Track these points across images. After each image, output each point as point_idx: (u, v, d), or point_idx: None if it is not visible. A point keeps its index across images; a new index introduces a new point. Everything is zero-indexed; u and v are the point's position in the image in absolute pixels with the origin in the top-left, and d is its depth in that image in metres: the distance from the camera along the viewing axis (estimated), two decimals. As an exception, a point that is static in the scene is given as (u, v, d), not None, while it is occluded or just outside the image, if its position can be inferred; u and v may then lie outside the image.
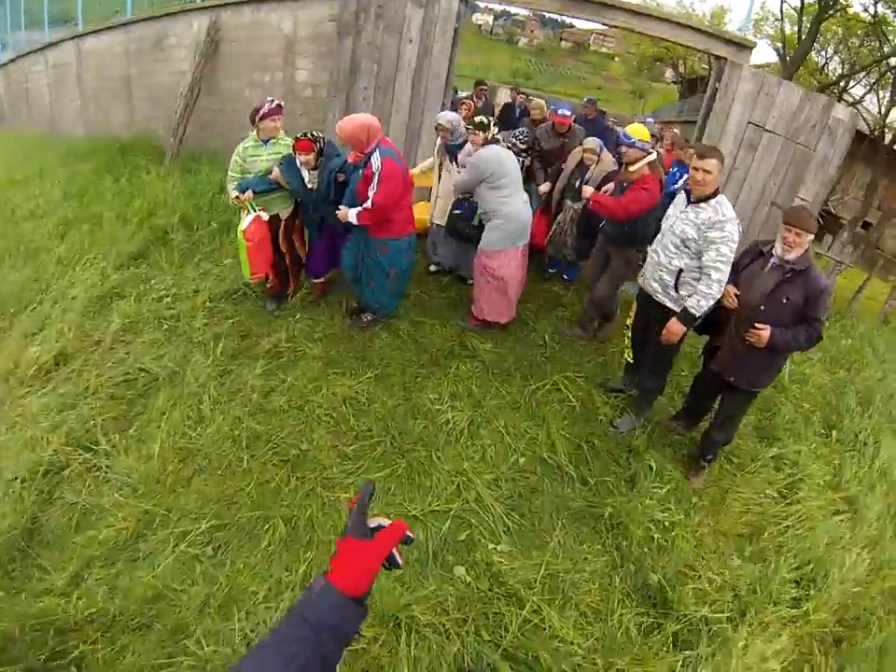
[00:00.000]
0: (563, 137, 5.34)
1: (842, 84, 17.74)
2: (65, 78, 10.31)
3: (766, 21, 19.05)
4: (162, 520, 2.79)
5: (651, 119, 10.90)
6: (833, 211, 16.25)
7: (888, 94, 16.66)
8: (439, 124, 4.50)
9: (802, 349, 3.19)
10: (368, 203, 3.60)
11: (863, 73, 17.21)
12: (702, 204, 3.12)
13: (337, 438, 3.37)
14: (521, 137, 5.25)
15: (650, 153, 3.83)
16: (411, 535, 0.94)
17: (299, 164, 3.90)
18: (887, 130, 16.32)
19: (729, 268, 3.06)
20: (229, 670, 0.82)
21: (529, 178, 5.36)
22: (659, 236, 3.44)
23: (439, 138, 4.67)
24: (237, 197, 3.86)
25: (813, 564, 3.09)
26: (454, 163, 4.58)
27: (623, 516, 3.11)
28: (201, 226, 5.53)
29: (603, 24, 5.91)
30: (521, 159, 5.09)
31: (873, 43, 16.15)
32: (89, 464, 3.05)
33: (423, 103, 6.00)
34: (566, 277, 5.71)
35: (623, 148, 3.84)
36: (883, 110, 16.45)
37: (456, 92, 7.65)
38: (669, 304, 3.33)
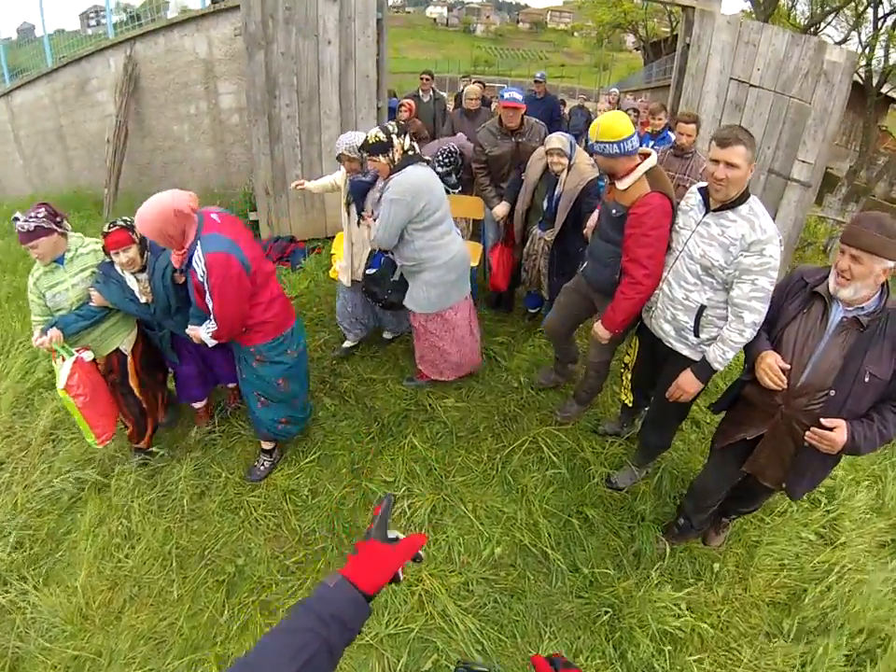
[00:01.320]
0: (515, 136, 3.93)
1: (812, 30, 16.45)
2: (4, 137, 9.97)
3: None
4: (93, 667, 2.43)
5: (614, 90, 10.02)
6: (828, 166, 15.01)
7: (868, 31, 15.41)
8: (340, 153, 3.27)
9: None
10: (210, 323, 2.54)
11: (833, 14, 16.15)
12: (728, 214, 2.19)
13: (277, 544, 2.86)
14: (441, 159, 4.14)
15: (643, 154, 2.56)
16: (422, 554, 0.97)
17: (120, 271, 2.72)
18: (874, 71, 14.88)
19: (768, 305, 2.15)
20: (236, 662, 0.78)
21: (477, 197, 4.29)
22: (668, 257, 2.47)
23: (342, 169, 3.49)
24: (41, 342, 2.69)
25: (866, 633, 2.48)
26: (364, 212, 3.32)
27: (627, 615, 2.44)
28: None
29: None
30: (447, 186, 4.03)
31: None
32: (15, 604, 2.68)
33: (354, 111, 5.26)
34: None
35: (598, 159, 2.63)
36: (867, 50, 14.89)
37: (394, 95, 6.89)
38: (686, 353, 2.47)
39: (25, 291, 4.88)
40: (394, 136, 2.82)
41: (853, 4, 15.23)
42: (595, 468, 3.13)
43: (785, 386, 2.03)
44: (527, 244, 3.86)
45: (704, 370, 2.36)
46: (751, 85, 5.16)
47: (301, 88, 5.14)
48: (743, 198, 2.18)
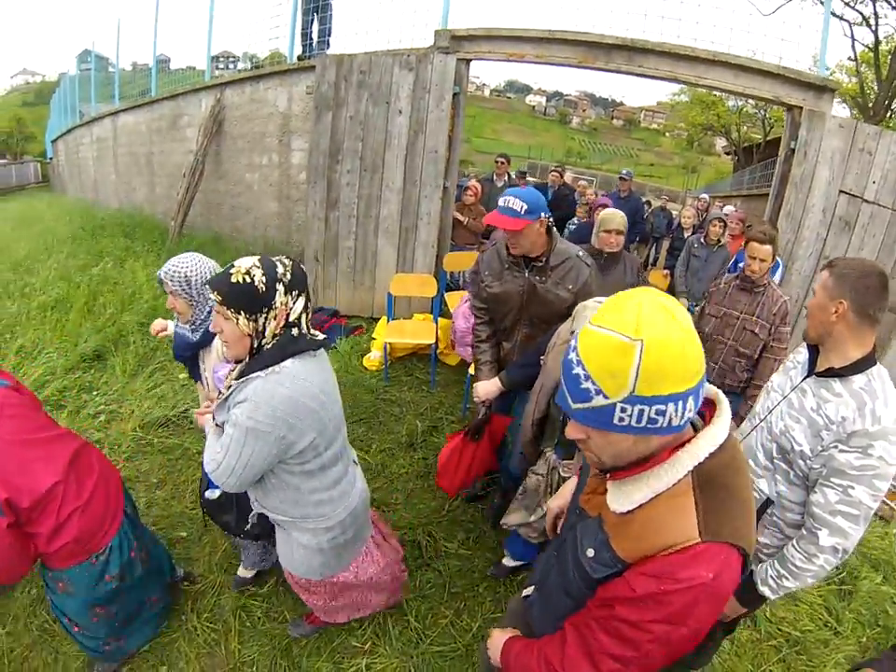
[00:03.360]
0: (532, 271, 2.45)
1: None
2: (105, 153, 11.05)
3: (834, 76, 16.89)
4: None
5: (704, 195, 9.41)
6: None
7: None
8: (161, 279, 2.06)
9: None
10: None
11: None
12: (835, 382, 1.57)
13: (208, 663, 2.32)
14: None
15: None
16: None
17: None
18: None
19: (865, 527, 1.52)
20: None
21: None
22: (745, 423, 1.88)
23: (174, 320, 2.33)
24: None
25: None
26: (199, 383, 2.33)
27: None
28: None
29: (640, 76, 4.63)
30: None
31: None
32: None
33: (419, 186, 4.90)
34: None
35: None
36: None
37: (465, 176, 6.57)
38: None
39: (70, 301, 5.19)
40: (279, 287, 1.46)
41: None
42: None
43: None
44: (537, 471, 2.25)
45: (748, 591, 1.70)
46: (864, 200, 4.40)
47: (364, 155, 4.86)
48: (861, 365, 1.54)
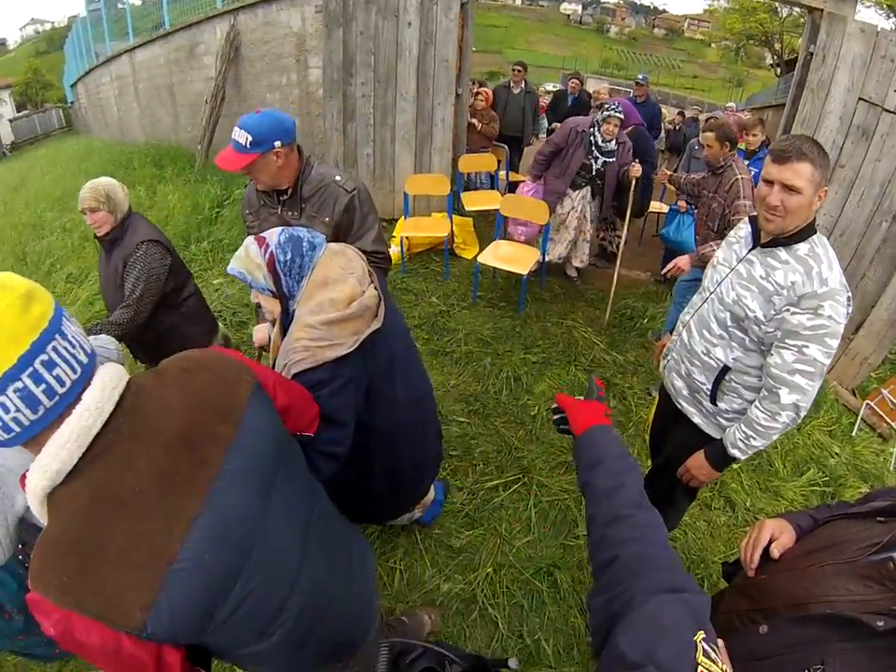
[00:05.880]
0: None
1: None
2: (126, 89, 11.08)
3: None
4: None
5: (732, 104, 9.18)
6: None
7: None
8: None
9: None
10: None
11: None
12: (780, 252, 1.66)
13: None
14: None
15: None
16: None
17: None
18: None
19: (820, 382, 1.63)
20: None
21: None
22: (696, 296, 2.01)
23: None
24: None
25: None
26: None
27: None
28: (196, 242, 5.33)
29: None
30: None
31: None
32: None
33: (432, 96, 5.07)
34: None
35: None
36: None
37: (479, 85, 6.63)
38: (698, 420, 1.97)
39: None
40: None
41: None
42: (583, 528, 2.61)
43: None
44: None
45: (718, 455, 1.84)
46: (885, 109, 4.21)
47: (377, 68, 5.02)
48: (804, 234, 1.63)
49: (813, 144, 1.56)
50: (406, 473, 1.91)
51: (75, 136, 17.51)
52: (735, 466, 3.13)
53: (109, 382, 0.83)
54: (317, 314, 1.43)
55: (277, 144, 1.96)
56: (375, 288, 1.57)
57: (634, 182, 4.02)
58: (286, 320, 1.54)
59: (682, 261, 3.12)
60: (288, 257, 1.47)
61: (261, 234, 1.51)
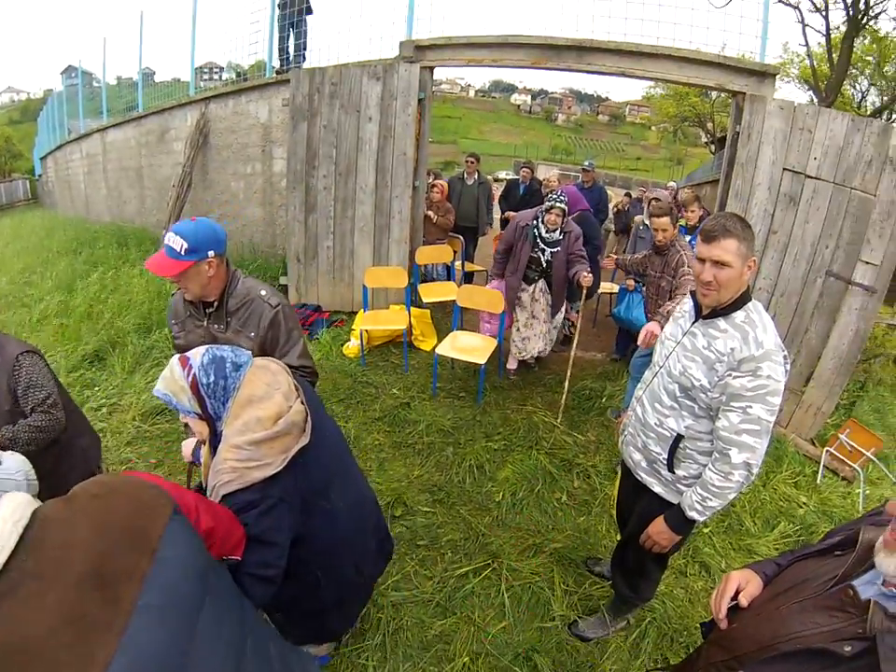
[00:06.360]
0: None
1: (882, 117, 15.56)
2: (95, 167, 11.29)
3: (792, 64, 17.39)
4: None
5: (672, 184, 9.84)
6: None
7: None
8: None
9: None
10: None
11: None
12: (719, 322, 1.77)
13: None
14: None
15: None
16: None
17: None
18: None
19: (767, 440, 1.71)
20: None
21: None
22: (647, 372, 2.12)
23: None
24: None
25: None
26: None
27: None
28: (158, 329, 5.21)
29: (590, 72, 4.99)
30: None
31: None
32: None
33: (390, 187, 5.26)
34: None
35: None
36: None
37: (434, 176, 6.94)
38: (659, 490, 2.03)
39: (69, 308, 5.51)
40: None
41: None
42: (559, 608, 2.64)
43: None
44: None
45: (677, 519, 1.89)
46: (807, 176, 4.59)
47: (339, 161, 5.23)
48: (739, 302, 1.74)
49: (737, 220, 1.71)
50: (352, 579, 1.88)
51: (39, 209, 17.46)
52: (705, 530, 3.22)
53: (11, 515, 0.78)
54: (244, 433, 1.42)
55: (211, 253, 1.95)
56: (302, 402, 1.57)
57: (584, 290, 4.07)
58: (214, 441, 1.53)
59: (652, 326, 3.12)
60: (211, 379, 1.47)
61: (186, 354, 1.51)
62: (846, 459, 4.11)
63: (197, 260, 1.92)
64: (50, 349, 4.71)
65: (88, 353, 4.73)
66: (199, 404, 1.47)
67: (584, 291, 4.07)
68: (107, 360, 4.70)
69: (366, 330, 4.78)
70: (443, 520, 3.17)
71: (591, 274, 3.99)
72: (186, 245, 1.89)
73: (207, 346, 1.54)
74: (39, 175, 18.60)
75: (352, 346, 4.90)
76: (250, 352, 1.61)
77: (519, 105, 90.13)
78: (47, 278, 6.73)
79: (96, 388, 4.33)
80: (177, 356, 1.52)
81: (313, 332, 5.21)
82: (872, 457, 4.05)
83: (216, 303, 2.10)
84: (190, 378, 1.45)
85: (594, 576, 2.87)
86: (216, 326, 2.12)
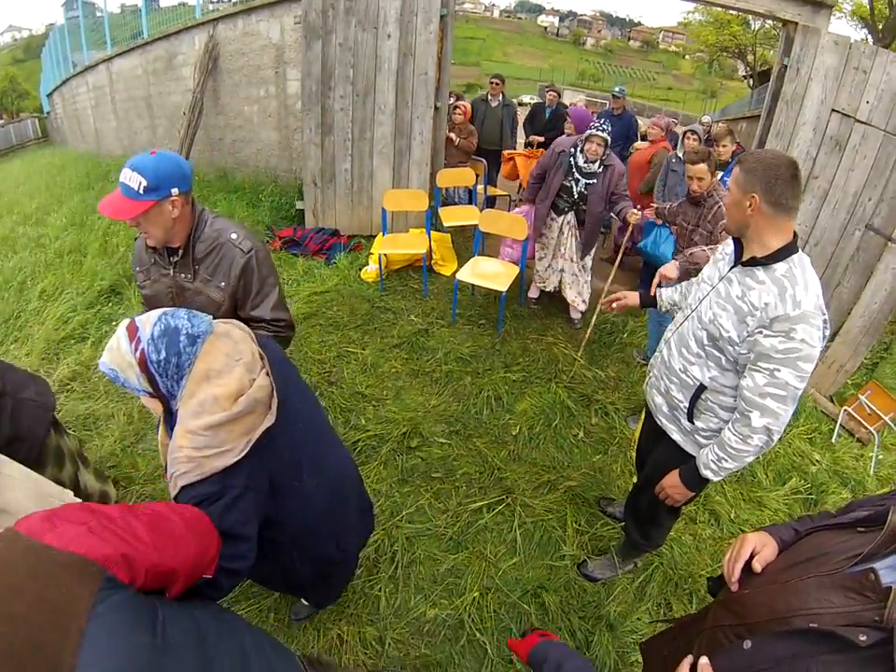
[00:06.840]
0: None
1: None
2: (103, 100, 10.95)
3: None
4: None
5: (707, 118, 9.25)
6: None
7: None
8: None
9: None
10: None
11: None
12: (758, 272, 1.62)
13: None
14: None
15: None
16: None
17: None
18: None
19: (793, 406, 1.59)
20: None
21: None
22: (679, 314, 2.00)
23: None
24: None
25: None
26: None
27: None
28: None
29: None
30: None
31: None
32: None
33: (410, 109, 5.04)
34: None
35: None
36: None
37: (456, 98, 6.64)
38: (677, 437, 1.95)
39: (84, 244, 5.43)
40: None
41: None
42: (569, 548, 2.66)
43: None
44: None
45: (692, 475, 1.83)
46: (857, 120, 4.25)
47: (356, 81, 4.97)
48: (783, 253, 1.58)
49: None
50: (333, 556, 1.75)
51: (50, 148, 17.22)
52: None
53: None
54: (200, 416, 1.23)
55: (174, 191, 1.70)
56: (267, 374, 1.37)
57: (631, 227, 3.86)
58: (170, 420, 1.34)
59: (667, 269, 2.82)
60: (162, 356, 1.25)
61: (135, 321, 1.29)
62: (863, 421, 4.00)
63: (158, 200, 1.67)
64: (67, 286, 4.69)
65: (104, 288, 4.69)
66: (149, 382, 1.28)
67: (631, 228, 3.88)
68: (124, 294, 4.66)
69: (385, 255, 4.67)
70: (459, 452, 3.15)
71: (639, 212, 3.76)
72: (145, 183, 1.63)
73: (161, 312, 1.30)
74: (48, 113, 18.19)
75: (370, 271, 4.79)
76: (210, 317, 1.39)
77: (546, 28, 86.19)
78: (60, 216, 6.65)
79: (113, 323, 4.26)
80: (125, 322, 1.29)
81: (330, 257, 5.11)
82: (889, 422, 3.94)
83: (181, 250, 1.86)
84: (139, 354, 1.24)
85: (605, 517, 2.86)
86: (182, 275, 1.90)
